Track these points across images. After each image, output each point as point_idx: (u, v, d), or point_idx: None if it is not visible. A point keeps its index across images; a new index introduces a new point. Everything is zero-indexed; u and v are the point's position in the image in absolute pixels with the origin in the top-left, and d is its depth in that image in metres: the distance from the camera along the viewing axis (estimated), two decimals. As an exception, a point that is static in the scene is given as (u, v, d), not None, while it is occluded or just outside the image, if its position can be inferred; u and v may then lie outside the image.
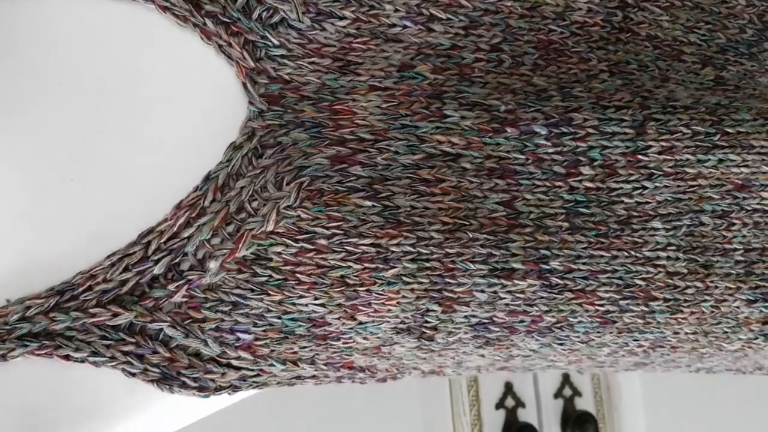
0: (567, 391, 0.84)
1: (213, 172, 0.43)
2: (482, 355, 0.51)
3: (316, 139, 0.44)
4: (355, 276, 0.44)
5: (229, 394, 0.45)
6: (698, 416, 0.86)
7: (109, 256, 0.43)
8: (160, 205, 0.43)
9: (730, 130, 0.51)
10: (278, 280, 0.43)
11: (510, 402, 0.82)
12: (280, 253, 0.42)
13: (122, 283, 0.42)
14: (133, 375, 0.43)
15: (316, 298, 0.43)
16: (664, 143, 0.50)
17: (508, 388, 0.82)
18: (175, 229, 0.42)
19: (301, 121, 0.44)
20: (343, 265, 0.43)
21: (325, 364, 0.46)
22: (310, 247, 0.43)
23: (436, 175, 0.45)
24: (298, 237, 0.42)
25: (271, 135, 0.44)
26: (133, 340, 0.42)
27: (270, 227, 0.42)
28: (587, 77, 0.51)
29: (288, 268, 0.43)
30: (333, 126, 0.44)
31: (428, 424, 0.79)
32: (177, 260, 0.42)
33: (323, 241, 0.43)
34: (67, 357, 0.42)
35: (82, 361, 0.42)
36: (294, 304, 0.43)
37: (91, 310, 0.42)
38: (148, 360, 0.43)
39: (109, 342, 0.42)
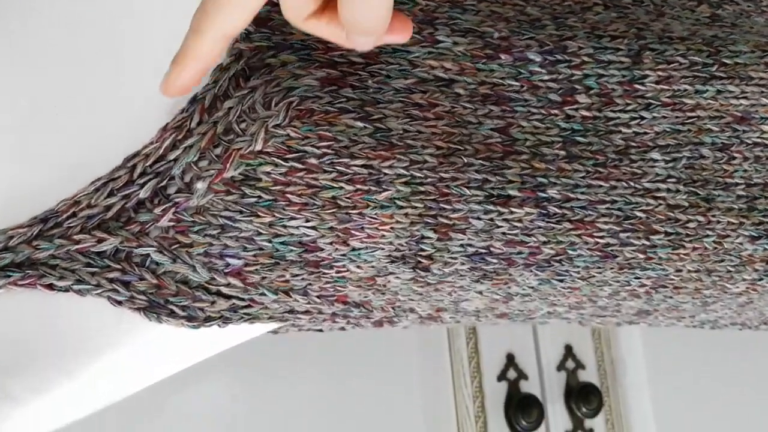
0: (570, 364, 0.83)
1: (199, 94, 0.42)
2: (480, 293, 0.50)
3: (306, 61, 0.43)
4: (347, 197, 0.42)
5: (219, 326, 0.44)
6: (703, 389, 0.85)
7: (93, 182, 0.42)
8: (145, 132, 0.42)
9: (727, 61, 0.50)
10: (268, 200, 0.41)
11: (512, 374, 0.81)
12: (269, 173, 0.41)
13: (107, 209, 0.41)
14: (120, 303, 0.41)
15: (307, 220, 0.42)
16: (661, 73, 0.49)
17: (510, 360, 0.80)
18: (161, 151, 0.41)
19: (290, 43, 0.43)
20: (335, 185, 0.42)
21: (319, 297, 0.45)
22: (300, 166, 0.41)
23: (429, 99, 0.44)
24: (287, 156, 0.41)
25: (259, 57, 0.43)
26: (118, 266, 0.41)
27: (259, 146, 0.41)
28: (581, 9, 0.51)
29: (278, 188, 0.42)
30: (323, 48, 0.43)
31: (429, 396, 0.77)
32: (163, 184, 0.41)
33: (314, 161, 0.42)
34: (50, 286, 0.41)
35: (67, 290, 0.41)
36: (285, 227, 0.42)
37: (76, 237, 0.41)
38: (134, 287, 0.41)
39: (94, 269, 0.41)
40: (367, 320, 0.50)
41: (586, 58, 0.48)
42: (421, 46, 0.45)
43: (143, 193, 0.41)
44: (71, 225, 0.41)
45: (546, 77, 0.47)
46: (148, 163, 0.41)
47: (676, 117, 0.49)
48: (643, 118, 0.49)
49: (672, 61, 0.49)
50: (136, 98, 0.43)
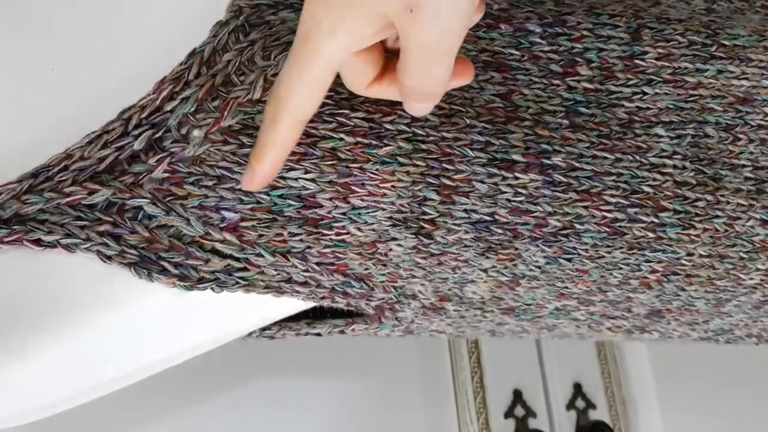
0: (580, 403, 0.79)
1: (198, 47, 0.42)
2: (485, 271, 0.48)
3: None
4: (347, 150, 0.41)
5: (213, 290, 0.42)
6: (719, 430, 0.81)
7: (87, 135, 0.41)
8: (143, 88, 0.42)
9: (726, 43, 0.50)
10: None
11: (520, 411, 0.77)
12: None
13: (100, 161, 0.40)
14: (109, 258, 0.40)
15: (306, 171, 0.41)
16: (660, 50, 0.49)
17: (517, 396, 0.76)
18: (157, 103, 0.41)
19: (290, 2, 0.43)
20: (335, 136, 0.41)
21: (318, 264, 0.43)
22: None
23: None
24: None
25: (259, 14, 0.43)
26: (110, 219, 0.40)
27: (257, 95, 0.40)
28: None
29: None
30: None
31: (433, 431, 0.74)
32: (159, 135, 0.40)
33: None
34: (38, 242, 0.39)
35: (54, 245, 0.39)
36: (283, 178, 0.41)
37: (66, 190, 0.40)
38: (125, 241, 0.40)
39: (84, 222, 0.39)
40: (368, 303, 0.48)
41: (585, 32, 0.48)
42: None
43: (138, 145, 0.40)
44: (62, 179, 0.40)
45: (546, 48, 0.47)
46: (143, 115, 0.41)
47: (678, 94, 0.49)
48: (645, 93, 0.48)
49: (671, 39, 0.49)
50: (132, 58, 0.43)
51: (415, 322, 0.53)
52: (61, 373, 0.42)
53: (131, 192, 0.39)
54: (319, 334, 0.54)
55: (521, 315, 0.55)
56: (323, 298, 0.45)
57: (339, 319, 0.54)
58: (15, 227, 0.39)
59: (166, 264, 0.40)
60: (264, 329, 0.54)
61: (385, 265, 0.45)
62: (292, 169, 0.41)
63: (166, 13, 0.43)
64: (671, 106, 0.49)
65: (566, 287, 0.51)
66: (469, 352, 0.78)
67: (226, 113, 0.40)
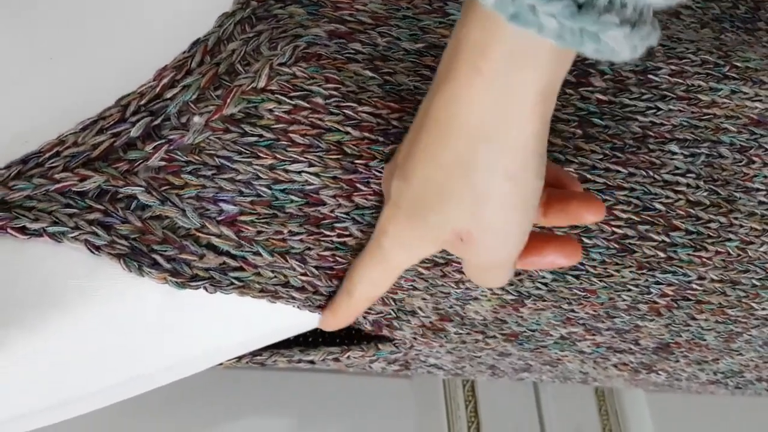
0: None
1: (203, 37, 0.40)
2: (490, 288, 0.46)
3: (314, 16, 0.42)
4: (353, 144, 0.40)
5: (206, 289, 0.39)
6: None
7: (82, 121, 0.39)
8: (144, 78, 0.40)
9: (738, 64, 0.50)
10: (269, 140, 0.39)
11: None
12: (272, 110, 0.39)
13: (94, 147, 0.38)
14: (98, 249, 0.37)
15: (310, 165, 0.39)
16: (674, 66, 0.48)
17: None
18: (157, 90, 0.39)
19: None
20: (341, 129, 0.39)
21: (317, 267, 0.41)
22: (305, 104, 0.39)
23: None
24: (292, 94, 0.39)
25: (266, 7, 0.42)
26: (101, 207, 0.37)
27: (262, 83, 0.39)
28: None
29: (280, 126, 0.39)
30: (331, 6, 0.42)
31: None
32: (157, 122, 0.38)
33: (320, 100, 0.39)
34: (23, 230, 0.37)
35: (40, 234, 0.37)
36: (286, 171, 0.39)
37: (56, 176, 0.37)
38: (116, 231, 0.37)
39: (73, 210, 0.37)
40: (365, 316, 0.45)
41: None
42: (432, 16, 0.44)
43: (135, 132, 0.38)
44: (53, 165, 0.38)
45: None
46: (142, 102, 0.39)
47: (693, 112, 0.48)
48: (659, 108, 0.47)
49: (683, 57, 0.48)
50: (134, 48, 0.41)
51: (414, 348, 0.51)
52: (37, 376, 0.39)
53: (125, 180, 0.37)
54: (312, 362, 0.51)
55: (525, 343, 0.52)
56: (319, 306, 0.43)
57: (334, 347, 0.51)
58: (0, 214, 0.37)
59: (158, 257, 0.38)
60: (255, 354, 0.51)
61: None
62: (295, 161, 0.39)
63: (169, 3, 0.42)
64: (685, 124, 0.48)
65: (573, 310, 0.49)
66: (466, 401, 0.75)
67: (228, 101, 0.38)
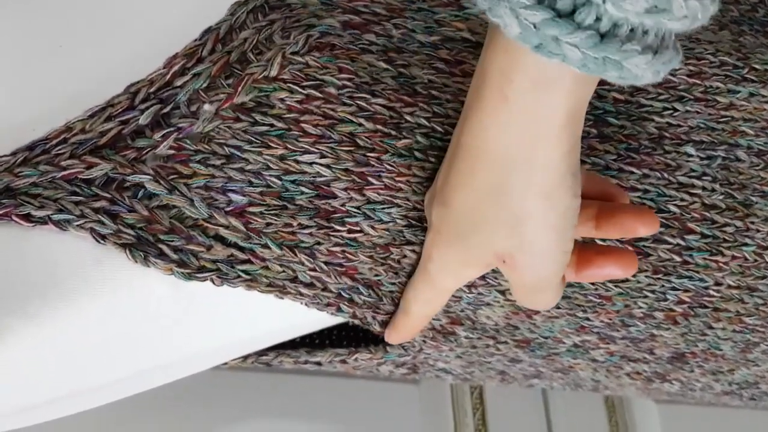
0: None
1: (214, 25, 0.40)
2: (502, 292, 0.45)
3: (328, 6, 0.41)
4: (366, 136, 0.39)
5: (213, 282, 0.38)
6: None
7: (90, 108, 0.38)
8: (153, 67, 0.40)
9: (758, 67, 0.49)
10: (281, 130, 0.38)
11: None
12: (283, 100, 0.38)
13: (102, 134, 0.37)
14: (103, 238, 0.36)
15: (322, 156, 0.38)
16: (692, 67, 0.47)
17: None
18: (167, 77, 0.38)
19: None
20: (354, 120, 0.39)
21: (326, 263, 0.40)
22: (317, 94, 0.38)
23: (456, 57, 0.42)
24: (304, 83, 0.38)
25: None
26: (107, 195, 0.36)
27: (274, 72, 0.38)
28: None
29: (292, 116, 0.38)
30: None
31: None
32: (167, 110, 0.37)
33: (333, 90, 0.39)
34: (27, 217, 0.36)
35: (45, 221, 0.36)
36: (297, 162, 0.38)
37: (63, 163, 0.37)
38: (122, 220, 0.37)
39: (79, 198, 0.36)
40: (375, 317, 0.44)
41: None
42: (447, 9, 0.43)
43: (143, 119, 0.37)
44: (60, 152, 0.37)
45: None
46: (151, 89, 0.38)
47: (710, 114, 0.47)
48: (676, 109, 0.46)
49: (701, 58, 0.48)
50: (143, 37, 0.41)
51: (423, 351, 0.50)
52: (41, 367, 0.38)
53: (133, 168, 0.37)
54: (319, 363, 0.50)
55: (536, 350, 0.51)
56: (328, 304, 0.42)
57: (341, 348, 0.50)
58: (4, 201, 0.36)
59: (164, 247, 0.37)
60: (261, 354, 0.50)
61: (396, 273, 0.42)
62: (307, 152, 0.38)
63: None
64: (702, 126, 0.47)
65: (587, 318, 0.48)
66: (474, 409, 0.74)
67: (240, 89, 0.38)
